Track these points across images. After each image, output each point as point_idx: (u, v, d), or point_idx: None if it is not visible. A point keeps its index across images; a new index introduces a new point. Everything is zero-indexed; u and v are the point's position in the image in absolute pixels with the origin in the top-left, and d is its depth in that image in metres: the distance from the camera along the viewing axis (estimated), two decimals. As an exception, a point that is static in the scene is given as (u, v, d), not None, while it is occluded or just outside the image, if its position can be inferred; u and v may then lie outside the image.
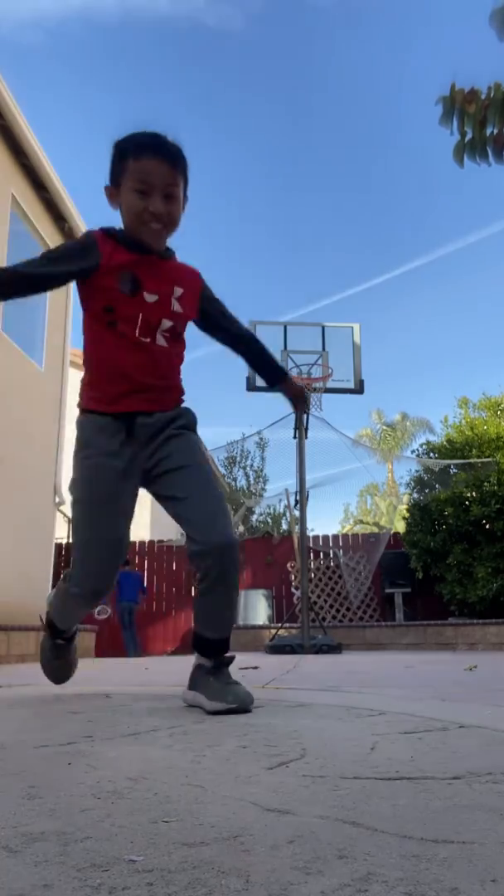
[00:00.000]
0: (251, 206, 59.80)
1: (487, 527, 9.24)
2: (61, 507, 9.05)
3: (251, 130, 58.98)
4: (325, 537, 11.30)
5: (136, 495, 2.04)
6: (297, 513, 9.15)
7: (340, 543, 11.15)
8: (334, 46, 55.89)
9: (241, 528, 12.78)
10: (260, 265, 58.69)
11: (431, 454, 10.72)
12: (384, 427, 27.81)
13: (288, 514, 12.14)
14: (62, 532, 10.99)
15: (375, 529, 17.79)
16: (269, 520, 14.07)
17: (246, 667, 4.39)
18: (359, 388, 8.85)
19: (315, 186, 57.24)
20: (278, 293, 54.72)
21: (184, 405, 2.07)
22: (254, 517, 14.06)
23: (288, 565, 10.78)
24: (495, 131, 2.56)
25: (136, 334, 1.89)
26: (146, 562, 11.14)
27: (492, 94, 2.52)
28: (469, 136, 2.59)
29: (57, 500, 8.56)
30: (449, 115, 2.60)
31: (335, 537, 11.36)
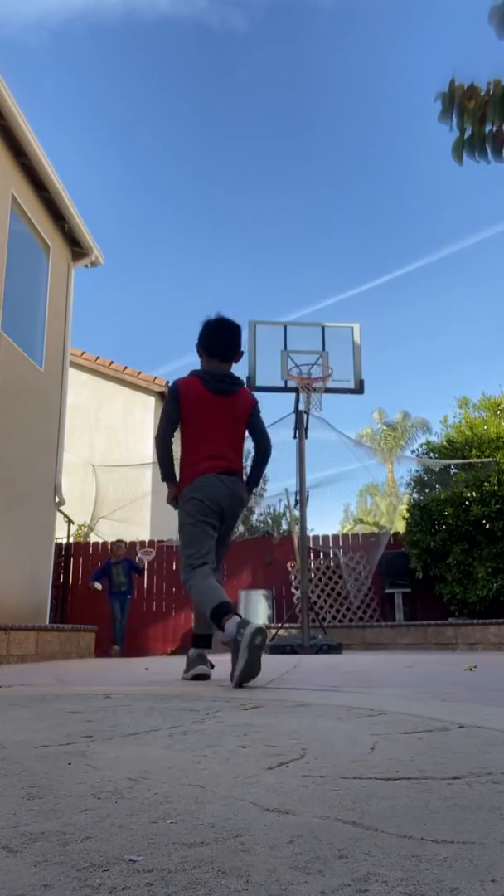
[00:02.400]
0: (253, 206, 59.77)
1: (487, 527, 9.23)
2: (61, 508, 9.05)
3: (253, 130, 58.93)
4: (325, 537, 11.29)
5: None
6: (297, 513, 9.15)
7: (340, 543, 11.13)
8: (336, 47, 55.86)
9: (241, 528, 12.77)
10: (261, 266, 58.67)
11: (431, 454, 10.72)
12: (384, 427, 27.83)
13: (288, 514, 12.14)
14: (62, 532, 10.98)
15: (375, 529, 17.78)
16: (269, 520, 14.05)
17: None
18: (359, 388, 8.84)
19: (317, 187, 57.22)
20: (280, 294, 54.72)
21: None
22: (254, 517, 14.04)
23: (288, 565, 10.77)
24: (494, 129, 2.56)
25: None
26: (146, 561, 11.13)
27: (491, 91, 2.52)
28: (468, 133, 2.58)
29: (57, 500, 8.55)
30: (448, 111, 2.59)
31: (335, 537, 11.34)
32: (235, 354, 3.42)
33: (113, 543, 10.11)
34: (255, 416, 3.42)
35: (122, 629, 9.38)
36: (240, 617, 2.77)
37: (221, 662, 3.34)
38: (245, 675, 2.62)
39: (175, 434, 3.41)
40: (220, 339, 3.37)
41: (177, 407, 3.30)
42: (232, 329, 3.41)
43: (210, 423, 3.27)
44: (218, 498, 3.19)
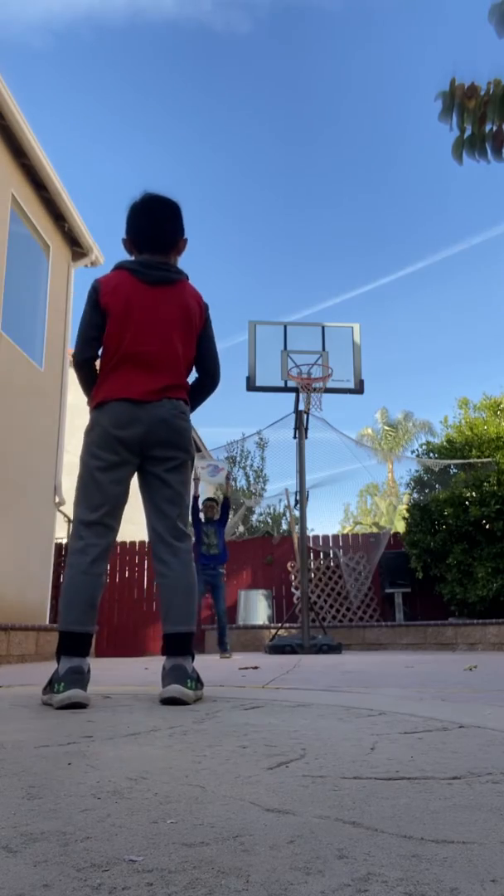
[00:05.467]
0: (255, 208, 59.80)
1: (487, 527, 9.23)
2: (61, 508, 9.05)
3: (256, 132, 58.97)
4: (325, 537, 11.29)
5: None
6: (297, 513, 9.15)
7: (340, 543, 11.14)
8: (339, 49, 55.90)
9: (242, 528, 12.76)
10: (262, 267, 58.71)
11: (431, 454, 10.72)
12: (385, 427, 27.85)
13: (288, 514, 12.13)
14: (62, 532, 10.97)
15: (375, 529, 17.78)
16: (269, 520, 14.06)
17: (246, 667, 4.39)
18: (359, 388, 8.84)
19: (319, 188, 57.25)
20: (280, 295, 54.75)
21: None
22: (254, 517, 14.05)
23: (288, 565, 10.77)
24: (494, 128, 2.56)
25: None
26: (146, 562, 11.14)
27: (491, 91, 2.52)
28: (468, 132, 2.58)
29: (57, 500, 8.55)
30: (448, 110, 2.59)
31: (335, 537, 11.34)
32: (176, 243, 2.51)
33: (205, 503, 7.48)
34: (208, 326, 2.53)
35: (223, 622, 7.10)
36: (82, 665, 2.11)
37: (217, 663, 3.31)
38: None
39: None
40: (149, 223, 2.47)
41: (98, 312, 2.37)
42: (164, 208, 2.49)
43: (138, 321, 2.35)
44: (133, 433, 2.27)
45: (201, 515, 7.31)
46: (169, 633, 2.30)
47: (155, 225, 2.48)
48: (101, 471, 2.29)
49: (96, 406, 2.34)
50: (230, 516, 7.64)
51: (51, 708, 2.01)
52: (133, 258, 2.50)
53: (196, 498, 7.39)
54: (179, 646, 2.28)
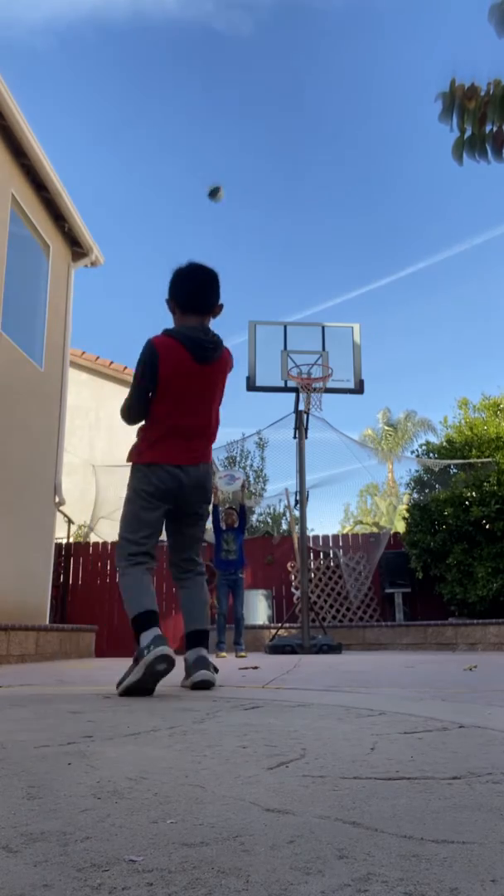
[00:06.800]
0: (256, 207, 59.81)
1: (487, 527, 9.23)
2: (61, 508, 9.05)
3: (257, 131, 59.01)
4: (325, 537, 11.28)
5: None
6: (297, 513, 9.15)
7: (340, 543, 11.13)
8: (341, 50, 55.95)
9: (241, 529, 12.75)
10: (262, 267, 58.70)
11: (431, 454, 10.71)
12: (385, 427, 27.86)
13: (288, 514, 12.13)
14: (62, 532, 10.97)
15: (375, 529, 17.78)
16: (269, 520, 14.06)
17: (246, 667, 4.39)
18: (359, 389, 8.84)
19: (319, 188, 57.25)
20: (281, 295, 54.74)
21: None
22: (254, 517, 14.05)
23: (288, 565, 10.77)
24: (494, 129, 2.56)
25: None
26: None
27: (491, 91, 2.52)
28: (468, 132, 2.58)
29: (57, 500, 8.55)
30: (448, 111, 2.59)
31: (335, 537, 11.33)
32: (213, 307, 2.90)
33: (225, 511, 7.78)
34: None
35: (240, 623, 7.41)
36: (159, 632, 2.52)
37: (218, 662, 3.31)
38: (130, 689, 2.42)
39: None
40: (195, 289, 2.86)
41: (155, 374, 2.75)
42: (209, 277, 2.89)
43: (185, 398, 2.79)
44: (174, 489, 2.81)
45: (222, 524, 7.58)
46: (193, 630, 2.88)
47: (197, 291, 2.87)
48: (146, 510, 2.84)
49: (147, 464, 2.83)
50: (247, 523, 8.09)
51: (51, 707, 2.01)
52: (180, 326, 2.86)
53: (216, 507, 7.63)
54: (200, 638, 2.87)
